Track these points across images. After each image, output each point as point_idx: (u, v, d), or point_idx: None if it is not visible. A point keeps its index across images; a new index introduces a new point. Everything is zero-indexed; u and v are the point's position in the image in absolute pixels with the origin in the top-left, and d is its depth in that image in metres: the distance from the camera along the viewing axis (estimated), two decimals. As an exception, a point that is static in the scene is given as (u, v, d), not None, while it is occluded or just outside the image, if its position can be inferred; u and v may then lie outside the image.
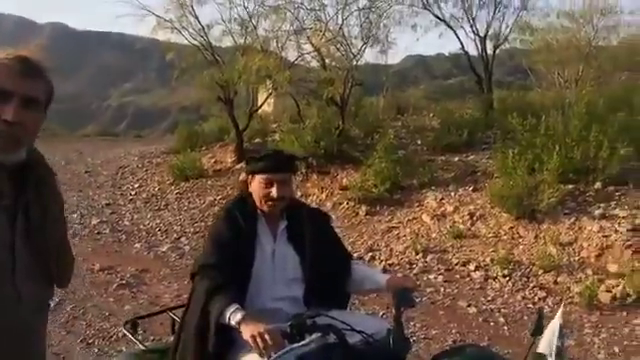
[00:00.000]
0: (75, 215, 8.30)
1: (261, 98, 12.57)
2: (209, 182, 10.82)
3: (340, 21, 9.76)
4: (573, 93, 10.26)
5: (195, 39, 10.59)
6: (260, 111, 12.57)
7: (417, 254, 6.49)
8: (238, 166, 11.22)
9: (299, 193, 9.25)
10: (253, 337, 1.73)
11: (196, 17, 10.47)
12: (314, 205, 7.33)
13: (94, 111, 76.80)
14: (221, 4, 10.56)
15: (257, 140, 12.34)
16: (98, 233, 7.63)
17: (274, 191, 2.09)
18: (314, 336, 1.77)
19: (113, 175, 11.99)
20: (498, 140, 9.02)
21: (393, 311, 2.02)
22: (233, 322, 1.83)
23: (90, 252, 6.63)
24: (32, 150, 1.31)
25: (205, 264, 2.03)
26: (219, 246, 2.07)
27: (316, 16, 10.03)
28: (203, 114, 16.72)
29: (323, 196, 8.89)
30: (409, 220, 7.56)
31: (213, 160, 12.16)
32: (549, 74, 15.02)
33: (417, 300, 2.16)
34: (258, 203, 2.15)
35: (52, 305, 1.47)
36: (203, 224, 8.22)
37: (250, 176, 2.17)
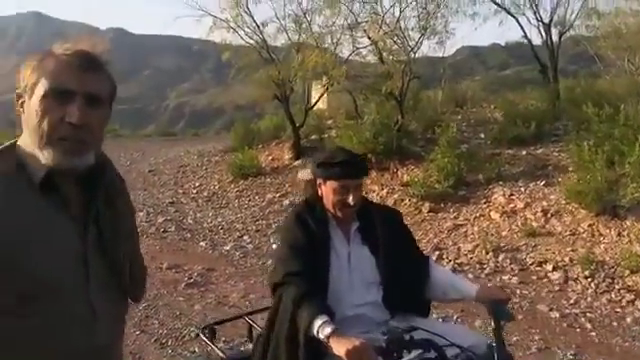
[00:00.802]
0: (142, 213, 8.50)
1: (315, 95, 12.50)
2: (267, 180, 10.86)
3: (397, 13, 9.50)
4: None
5: (251, 38, 10.63)
6: (315, 108, 12.52)
7: (487, 253, 6.18)
8: (295, 163, 11.22)
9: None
10: (348, 353, 1.61)
11: (251, 16, 10.53)
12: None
13: (153, 112, 79.75)
14: (276, 1, 10.54)
15: (313, 137, 12.29)
16: (164, 231, 7.79)
17: (350, 198, 1.98)
18: (413, 354, 1.64)
19: (175, 174, 12.27)
20: (569, 132, 8.52)
21: (492, 325, 1.89)
22: (322, 336, 1.72)
23: (158, 250, 6.76)
24: (100, 154, 1.20)
25: (288, 272, 1.93)
26: (298, 253, 1.97)
27: (372, 9, 9.80)
28: (258, 112, 16.89)
29: (384, 193, 8.69)
30: (476, 217, 7.25)
31: (270, 158, 12.21)
32: (618, 60, 14.11)
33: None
34: (331, 208, 2.05)
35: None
36: (264, 222, 8.23)
37: (321, 180, 2.05)
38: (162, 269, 5.92)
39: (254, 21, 10.63)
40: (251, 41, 10.73)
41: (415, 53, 9.51)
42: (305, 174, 10.66)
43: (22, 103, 1.13)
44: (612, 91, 9.86)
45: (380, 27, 8.95)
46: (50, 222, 1.10)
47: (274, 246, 6.75)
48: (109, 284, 1.19)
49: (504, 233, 6.70)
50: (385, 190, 8.77)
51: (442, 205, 7.69)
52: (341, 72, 8.94)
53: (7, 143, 1.16)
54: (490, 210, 7.27)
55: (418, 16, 9.28)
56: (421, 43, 9.58)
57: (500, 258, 6.03)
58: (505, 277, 5.63)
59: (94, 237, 1.15)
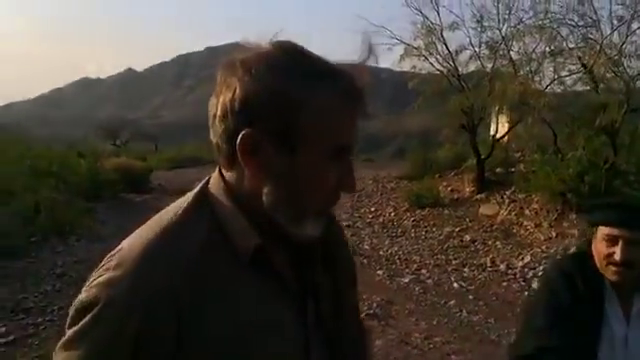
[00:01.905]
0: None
1: (501, 125, 11.71)
2: (446, 211, 10.40)
3: (619, 38, 8.37)
4: None
5: (442, 65, 10.38)
6: (501, 140, 11.72)
7: None
8: (478, 197, 10.57)
9: (553, 233, 8.15)
10: None
11: (444, 43, 10.27)
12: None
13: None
14: (473, 28, 10.16)
15: (499, 170, 11.48)
16: (341, 255, 7.82)
17: (618, 253, 1.54)
18: None
19: (350, 197, 12.47)
20: None
21: None
22: None
23: (336, 274, 6.77)
24: (331, 220, 0.92)
25: (541, 347, 1.56)
26: (558, 320, 1.59)
27: (583, 34, 8.81)
28: (429, 139, 16.47)
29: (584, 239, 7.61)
30: None
31: (449, 189, 11.73)
32: None
33: None
34: (599, 266, 1.62)
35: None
36: (443, 257, 7.78)
37: (594, 229, 1.66)
38: (341, 294, 5.88)
39: (447, 48, 10.38)
40: (441, 68, 10.46)
41: (635, 83, 8.25)
42: (488, 209, 9.96)
43: (261, 145, 0.77)
44: None
45: (598, 54, 7.96)
46: (269, 308, 0.82)
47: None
48: None
49: None
50: (585, 237, 7.67)
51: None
52: (545, 101, 8.14)
53: (199, 187, 0.87)
54: None
55: (643, 42, 8.05)
56: (644, 73, 8.29)
57: None
58: None
59: (313, 317, 0.88)
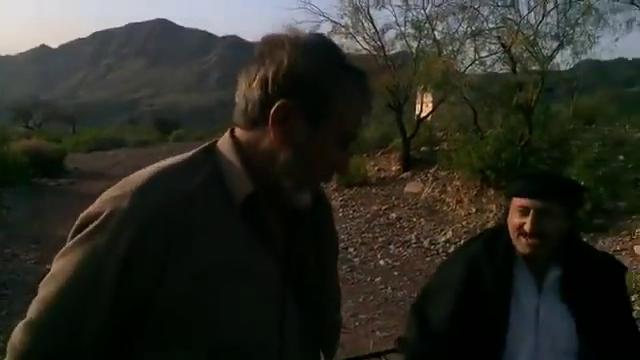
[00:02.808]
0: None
1: (425, 105, 11.97)
2: (373, 190, 10.52)
3: (534, 19, 8.72)
4: None
5: (369, 43, 10.38)
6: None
7: (631, 294, 5.30)
8: (404, 175, 10.78)
9: (473, 208, 8.46)
10: None
11: (371, 21, 10.26)
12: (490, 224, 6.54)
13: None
14: (399, 6, 10.21)
15: (424, 149, 11.76)
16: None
17: (528, 223, 1.51)
18: None
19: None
20: None
21: None
22: None
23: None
24: (322, 197, 1.02)
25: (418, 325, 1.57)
26: (446, 298, 1.59)
27: (503, 14, 9.10)
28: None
29: (501, 214, 7.96)
30: (616, 251, 6.31)
31: (377, 168, 11.86)
32: None
33: None
34: (512, 238, 1.59)
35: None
36: (370, 235, 7.87)
37: (509, 201, 1.62)
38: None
39: (374, 26, 10.38)
40: (369, 47, 10.48)
41: (550, 63, 8.65)
42: (413, 187, 10.20)
43: (290, 114, 0.85)
44: None
45: (516, 34, 8.24)
46: (253, 258, 0.88)
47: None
48: (304, 340, 0.95)
49: (653, 273, 5.74)
50: (503, 211, 8.03)
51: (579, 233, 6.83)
52: (465, 81, 8.35)
53: (207, 144, 0.95)
54: (634, 244, 6.31)
55: (557, 23, 8.43)
56: (556, 53, 8.71)
57: (648, 302, 5.14)
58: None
59: (293, 281, 0.94)
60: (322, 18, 10.96)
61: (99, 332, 0.81)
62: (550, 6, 8.54)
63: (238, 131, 0.92)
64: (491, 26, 9.15)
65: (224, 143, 0.93)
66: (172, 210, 0.81)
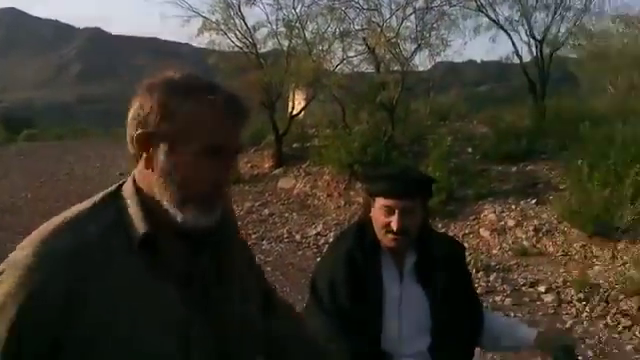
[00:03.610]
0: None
1: (297, 102, 12.25)
2: (246, 187, 10.53)
3: (395, 23, 9.35)
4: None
5: (240, 41, 10.34)
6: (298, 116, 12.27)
7: (477, 272, 5.96)
8: (276, 171, 10.93)
9: (342, 201, 8.86)
10: None
11: (242, 18, 10.22)
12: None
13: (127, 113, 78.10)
14: (270, 5, 10.29)
15: (296, 145, 12.01)
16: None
17: (394, 222, 1.65)
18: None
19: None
20: (556, 150, 8.45)
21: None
22: None
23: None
24: (227, 209, 1.07)
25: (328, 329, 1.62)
26: (334, 300, 1.67)
27: (367, 17, 9.63)
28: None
29: (369, 205, 8.45)
30: (465, 234, 7.06)
31: (250, 165, 11.87)
32: (601, 81, 14.32)
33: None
34: (378, 234, 1.72)
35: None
36: (243, 232, 7.86)
37: (372, 199, 1.74)
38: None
39: (245, 24, 10.35)
40: (240, 45, 10.43)
41: (409, 64, 9.35)
42: (286, 183, 10.38)
43: (148, 146, 0.95)
44: (595, 112, 9.90)
45: (380, 36, 8.77)
46: (149, 286, 0.93)
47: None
48: (216, 353, 1.00)
49: (494, 251, 6.51)
50: (363, 207, 8.52)
51: (430, 220, 7.47)
52: (334, 80, 8.70)
53: (111, 188, 1.02)
54: (480, 227, 7.09)
55: (416, 27, 9.13)
56: (415, 54, 9.45)
57: (491, 278, 5.82)
58: (497, 298, 5.41)
59: (199, 299, 0.99)
60: (192, 13, 10.67)
61: None
62: (409, 11, 9.24)
63: (137, 171, 1.00)
64: (357, 28, 9.63)
65: (128, 182, 0.99)
66: (71, 259, 0.87)
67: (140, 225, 0.93)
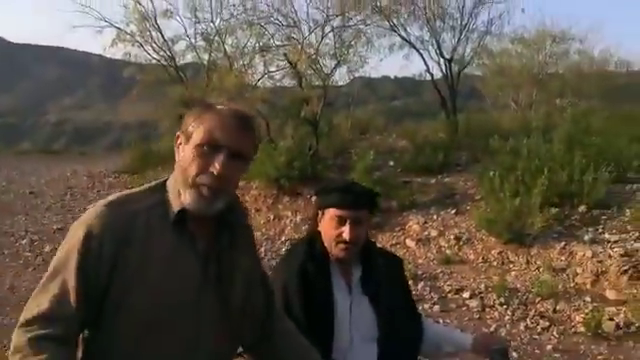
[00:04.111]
0: (24, 242, 7.45)
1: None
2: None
3: (315, 39, 9.53)
4: (539, 116, 10.47)
5: (158, 53, 10.03)
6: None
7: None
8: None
9: (271, 215, 8.83)
10: None
11: (159, 31, 9.94)
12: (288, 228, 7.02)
13: (30, 127, 72.55)
14: (188, 18, 10.09)
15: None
16: (52, 263, 6.84)
17: (346, 232, 1.70)
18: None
19: (62, 196, 11.08)
20: (470, 163, 9.01)
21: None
22: None
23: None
24: (232, 200, 1.31)
25: None
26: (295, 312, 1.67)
27: (287, 33, 9.73)
28: (148, 132, 15.97)
29: (297, 219, 8.49)
30: (392, 245, 7.29)
31: (173, 181, 11.50)
32: (504, 98, 15.50)
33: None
34: (327, 245, 1.76)
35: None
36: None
37: (320, 212, 1.79)
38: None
39: (162, 36, 10.07)
40: (158, 57, 10.12)
41: (330, 80, 9.55)
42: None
43: (180, 144, 1.26)
44: (499, 125, 10.70)
45: (300, 52, 8.89)
46: (176, 254, 1.22)
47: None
48: (220, 322, 1.27)
49: (421, 261, 6.78)
50: (299, 216, 8.57)
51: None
52: (258, 94, 8.69)
53: (161, 179, 1.32)
54: (405, 237, 7.36)
55: (335, 44, 9.36)
56: (335, 70, 9.68)
57: (420, 286, 6.05)
58: (426, 306, 5.62)
59: (214, 274, 1.26)
60: (105, 24, 10.21)
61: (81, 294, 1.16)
62: (328, 29, 9.47)
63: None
64: (278, 43, 9.70)
65: (170, 178, 1.30)
66: (119, 222, 1.19)
67: (175, 205, 1.23)
